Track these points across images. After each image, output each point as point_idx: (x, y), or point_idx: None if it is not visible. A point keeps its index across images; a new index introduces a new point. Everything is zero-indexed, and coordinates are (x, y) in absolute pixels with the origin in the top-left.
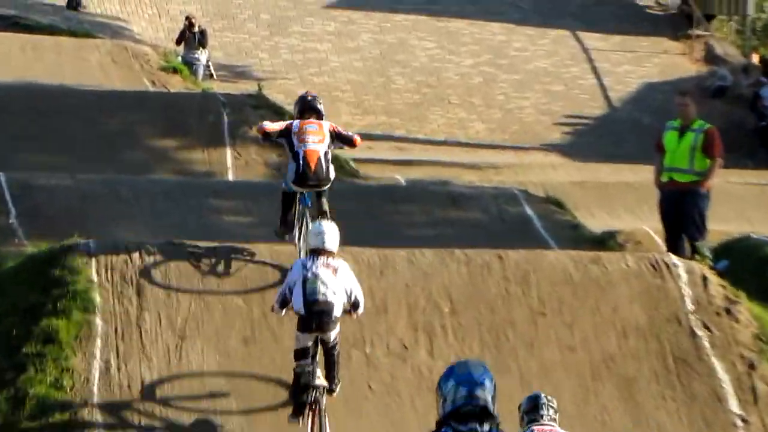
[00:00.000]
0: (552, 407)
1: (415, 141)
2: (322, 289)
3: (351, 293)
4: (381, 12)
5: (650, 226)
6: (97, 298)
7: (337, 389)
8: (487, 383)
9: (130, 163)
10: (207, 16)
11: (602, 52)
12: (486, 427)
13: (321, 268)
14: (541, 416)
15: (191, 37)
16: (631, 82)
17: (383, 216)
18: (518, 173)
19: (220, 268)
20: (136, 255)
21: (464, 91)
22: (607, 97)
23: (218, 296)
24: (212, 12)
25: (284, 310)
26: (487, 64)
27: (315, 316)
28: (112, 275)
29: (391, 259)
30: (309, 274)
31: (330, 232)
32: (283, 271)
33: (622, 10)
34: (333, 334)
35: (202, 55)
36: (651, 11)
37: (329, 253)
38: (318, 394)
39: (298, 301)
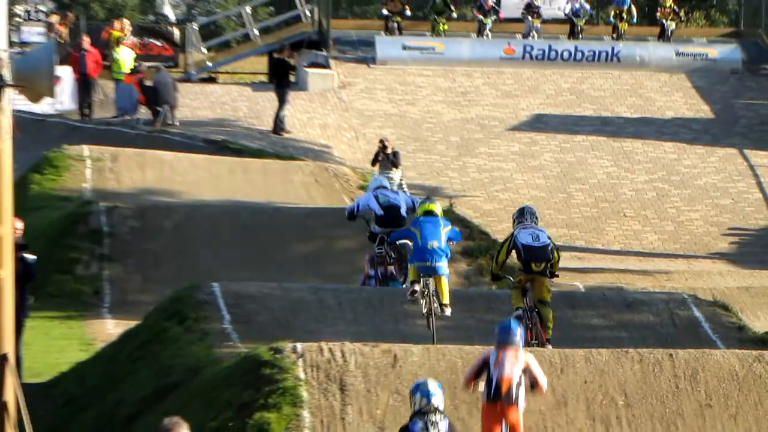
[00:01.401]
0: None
1: (593, 251)
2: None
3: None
4: (561, 134)
5: None
6: (305, 394)
7: None
8: (438, 393)
9: (331, 274)
10: (401, 139)
11: (767, 168)
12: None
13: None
14: (525, 219)
15: (385, 158)
16: None
17: (564, 319)
18: (688, 280)
19: (413, 363)
20: (339, 355)
21: (638, 205)
22: None
23: None
24: (405, 135)
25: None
26: (660, 180)
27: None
28: (317, 373)
29: (571, 358)
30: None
31: None
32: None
33: None
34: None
35: (395, 175)
36: None
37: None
38: None
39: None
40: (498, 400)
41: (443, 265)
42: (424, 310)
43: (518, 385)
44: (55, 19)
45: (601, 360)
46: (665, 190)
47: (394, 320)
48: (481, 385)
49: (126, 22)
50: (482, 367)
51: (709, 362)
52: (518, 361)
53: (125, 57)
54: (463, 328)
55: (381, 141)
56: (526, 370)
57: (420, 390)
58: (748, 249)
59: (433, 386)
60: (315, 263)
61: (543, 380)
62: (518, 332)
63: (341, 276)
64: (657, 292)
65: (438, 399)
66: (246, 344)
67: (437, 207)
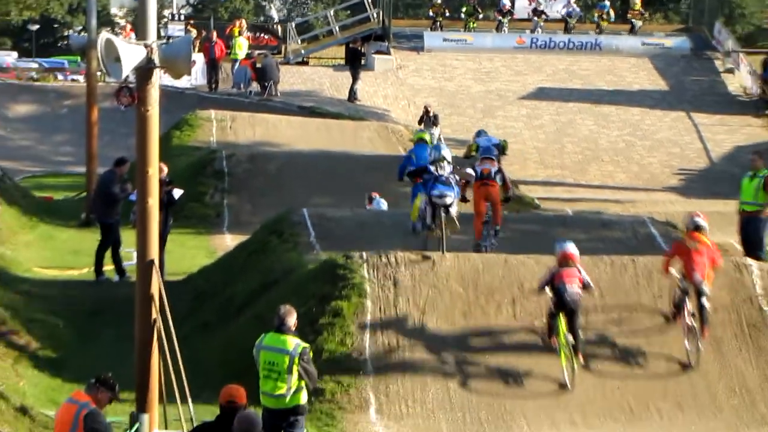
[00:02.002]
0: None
1: (579, 186)
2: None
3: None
4: (557, 101)
5: (735, 240)
6: (368, 288)
7: None
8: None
9: (390, 203)
10: (440, 105)
11: (706, 126)
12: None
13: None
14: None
15: (428, 119)
16: (726, 146)
17: (556, 235)
18: (647, 207)
19: (446, 266)
20: (393, 260)
21: (612, 152)
22: (709, 157)
23: (446, 285)
24: (444, 103)
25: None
26: (628, 135)
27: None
28: (377, 273)
29: None
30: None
31: None
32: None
33: (721, 98)
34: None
35: (435, 131)
36: (740, 98)
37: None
38: None
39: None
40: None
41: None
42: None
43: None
44: (193, 32)
45: (583, 263)
46: (632, 142)
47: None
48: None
49: (243, 21)
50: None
51: (659, 265)
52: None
53: (242, 44)
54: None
55: (425, 107)
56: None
57: (435, 148)
58: (691, 184)
59: (446, 151)
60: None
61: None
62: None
63: (395, 203)
64: (625, 215)
65: (447, 153)
66: (326, 252)
67: (427, 136)
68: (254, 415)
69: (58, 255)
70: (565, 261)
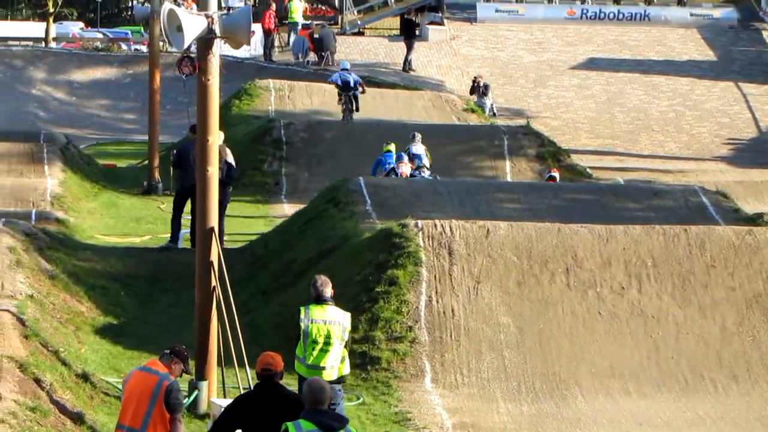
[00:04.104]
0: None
1: (630, 155)
2: None
3: None
4: (608, 71)
5: None
6: (423, 256)
7: None
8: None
9: (443, 171)
10: (493, 75)
11: (755, 96)
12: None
13: None
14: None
15: (479, 89)
16: None
17: (608, 204)
18: (698, 176)
19: (500, 235)
20: (447, 229)
21: (662, 122)
22: (758, 126)
23: (500, 254)
24: (497, 73)
25: None
26: (678, 105)
27: None
28: (432, 242)
29: (613, 232)
30: None
31: None
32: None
33: None
34: None
35: (488, 101)
36: None
37: None
38: None
39: None
40: None
41: None
42: None
43: None
44: None
45: (635, 233)
46: (681, 111)
47: (487, 204)
48: None
49: None
50: None
51: (713, 235)
52: None
53: (296, 7)
54: (536, 210)
55: (475, 78)
56: None
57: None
58: (740, 154)
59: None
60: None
61: None
62: None
63: (448, 170)
64: (675, 184)
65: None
66: (381, 221)
67: (392, 147)
68: (323, 380)
69: (120, 222)
70: None
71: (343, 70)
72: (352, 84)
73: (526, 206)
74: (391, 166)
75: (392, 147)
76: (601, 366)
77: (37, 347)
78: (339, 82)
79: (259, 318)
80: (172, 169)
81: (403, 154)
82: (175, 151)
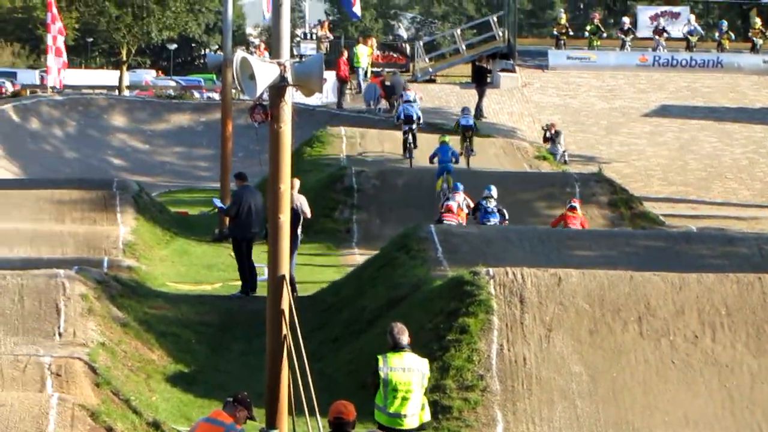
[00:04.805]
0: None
1: (703, 203)
2: None
3: None
4: (680, 118)
5: None
6: (494, 304)
7: None
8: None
9: (514, 218)
10: (565, 122)
11: None
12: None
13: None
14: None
15: (551, 137)
16: None
17: (681, 252)
18: None
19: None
20: (518, 276)
21: (736, 169)
22: None
23: (572, 302)
24: (569, 120)
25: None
26: (751, 152)
27: None
28: (503, 289)
29: (687, 280)
30: None
31: None
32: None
33: None
34: None
35: (560, 148)
36: None
37: None
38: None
39: None
40: None
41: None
42: None
43: None
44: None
45: (709, 281)
46: (755, 159)
47: (558, 252)
48: None
49: (373, 39)
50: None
51: None
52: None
53: (361, 53)
54: (608, 257)
55: (549, 125)
56: None
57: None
58: None
59: (493, 189)
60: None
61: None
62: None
63: (519, 217)
64: (749, 232)
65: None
66: (453, 268)
67: (447, 138)
68: None
69: (191, 270)
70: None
71: (406, 102)
72: (414, 118)
73: (598, 254)
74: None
75: (447, 138)
76: (675, 415)
77: (109, 395)
78: (402, 116)
79: (330, 366)
80: (226, 217)
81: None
82: (217, 201)
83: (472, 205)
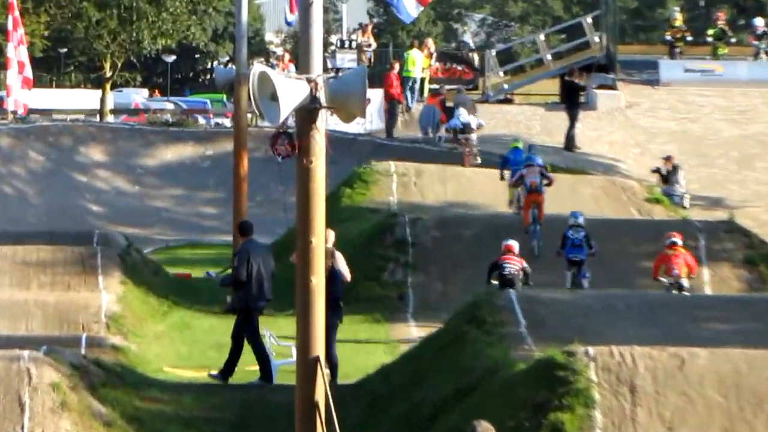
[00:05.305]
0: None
1: None
2: None
3: None
4: None
5: None
6: (597, 396)
7: None
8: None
9: (619, 280)
10: (683, 154)
11: None
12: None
13: None
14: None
15: (667, 173)
16: None
17: None
18: None
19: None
20: (628, 358)
21: None
22: None
23: (699, 392)
24: (688, 150)
25: None
26: None
27: None
28: (608, 375)
29: None
30: None
31: None
32: None
33: None
34: None
35: (677, 188)
36: None
37: None
38: None
39: None
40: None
41: None
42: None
43: None
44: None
45: None
46: None
47: (680, 324)
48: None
49: (430, 41)
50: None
51: None
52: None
53: (415, 59)
54: (746, 332)
55: (666, 157)
56: None
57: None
58: None
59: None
60: (604, 269)
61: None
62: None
63: (626, 278)
64: None
65: (582, 219)
66: (539, 347)
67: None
68: None
69: (196, 350)
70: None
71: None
72: (474, 126)
73: (733, 327)
74: (520, 172)
75: (520, 144)
76: None
77: None
78: (459, 125)
79: None
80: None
81: (533, 156)
82: (213, 274)
83: (551, 177)
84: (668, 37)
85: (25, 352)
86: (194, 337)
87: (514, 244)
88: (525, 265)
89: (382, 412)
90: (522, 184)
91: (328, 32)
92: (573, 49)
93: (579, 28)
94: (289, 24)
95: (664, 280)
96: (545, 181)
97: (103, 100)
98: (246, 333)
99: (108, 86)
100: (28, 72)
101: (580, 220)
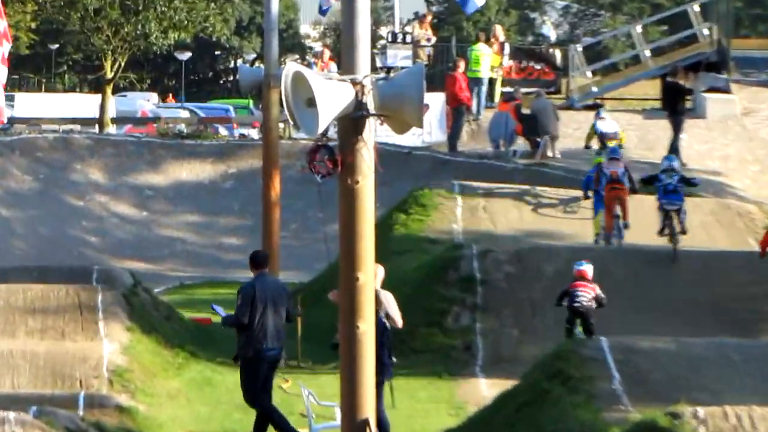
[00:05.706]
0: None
1: None
2: None
3: None
4: None
5: None
6: None
7: None
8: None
9: (737, 325)
10: None
11: None
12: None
13: None
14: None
15: None
16: None
17: None
18: None
19: None
20: (746, 421)
21: None
22: None
23: None
24: None
25: None
26: None
27: None
28: None
29: None
30: None
31: None
32: None
33: None
34: None
35: None
36: None
37: None
38: None
39: None
40: None
41: None
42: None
43: None
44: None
45: None
46: None
47: None
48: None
49: (498, 28)
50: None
51: None
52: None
53: (481, 53)
54: None
55: None
56: None
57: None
58: None
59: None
60: (718, 313)
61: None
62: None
63: (743, 322)
64: None
65: (677, 164)
66: (639, 408)
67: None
68: None
69: (218, 411)
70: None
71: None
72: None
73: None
74: (601, 165)
75: (603, 159)
76: None
77: None
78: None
79: None
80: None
81: (617, 149)
82: (218, 307)
83: (635, 183)
84: None
85: (11, 414)
86: (216, 396)
87: (588, 269)
88: (599, 292)
89: None
90: (602, 178)
91: (376, 24)
92: (677, 43)
93: (684, 17)
94: (322, 12)
95: None
96: (629, 184)
97: (103, 107)
98: (243, 386)
99: (109, 90)
100: (1, 74)
101: (675, 164)
